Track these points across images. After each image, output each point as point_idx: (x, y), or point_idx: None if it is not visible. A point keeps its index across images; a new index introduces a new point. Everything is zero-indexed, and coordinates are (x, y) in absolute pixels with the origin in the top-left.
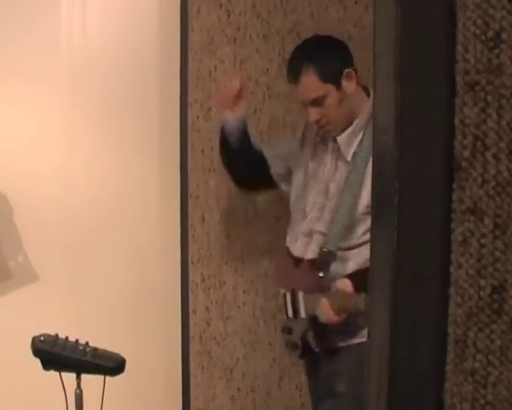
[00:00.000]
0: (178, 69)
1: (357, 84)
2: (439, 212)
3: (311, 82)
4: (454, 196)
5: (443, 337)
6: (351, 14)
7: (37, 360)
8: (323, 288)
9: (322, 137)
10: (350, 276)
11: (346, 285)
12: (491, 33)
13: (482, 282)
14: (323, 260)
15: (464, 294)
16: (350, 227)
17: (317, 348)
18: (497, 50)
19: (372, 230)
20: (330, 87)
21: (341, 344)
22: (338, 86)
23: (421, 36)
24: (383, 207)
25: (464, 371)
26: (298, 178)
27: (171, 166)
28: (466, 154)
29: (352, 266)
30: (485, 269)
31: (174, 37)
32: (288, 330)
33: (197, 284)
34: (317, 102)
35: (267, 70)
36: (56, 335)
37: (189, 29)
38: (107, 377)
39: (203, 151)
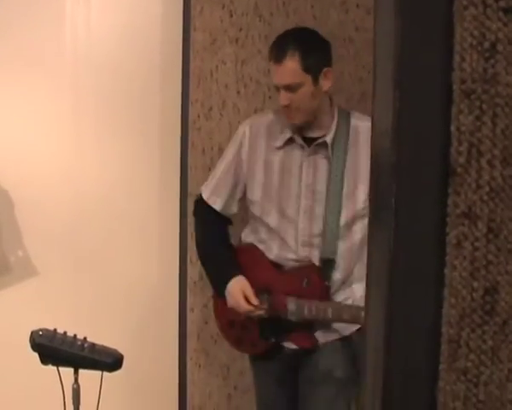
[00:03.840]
0: (180, 68)
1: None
2: (434, 215)
3: (293, 66)
4: (449, 201)
5: (437, 337)
6: (352, 17)
7: (36, 355)
8: (326, 296)
9: (296, 136)
10: None
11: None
12: (487, 44)
13: (475, 284)
14: (327, 270)
15: (458, 295)
16: (344, 228)
17: (298, 347)
18: (492, 61)
19: (369, 230)
20: (308, 78)
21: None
22: (315, 80)
23: (420, 45)
24: (381, 209)
25: (457, 370)
26: (255, 187)
27: (172, 165)
28: (461, 160)
29: (358, 272)
30: (478, 271)
31: (176, 36)
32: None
33: (195, 282)
34: (292, 87)
35: (268, 71)
36: (55, 330)
37: (191, 29)
38: (105, 373)
39: (203, 150)
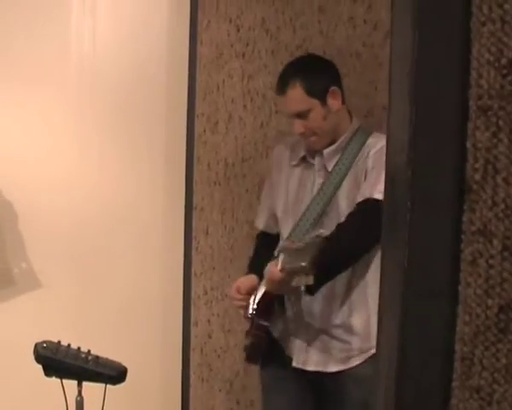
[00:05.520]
0: (186, 82)
1: (343, 103)
2: (449, 232)
3: (297, 95)
4: (464, 218)
5: (450, 354)
6: (359, 32)
7: (40, 367)
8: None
9: (308, 154)
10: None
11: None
12: (504, 61)
13: (489, 301)
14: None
15: (472, 312)
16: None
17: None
18: (509, 77)
19: (383, 246)
20: (315, 102)
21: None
22: (323, 102)
23: (437, 61)
24: (395, 225)
25: (470, 387)
26: (279, 204)
27: (177, 178)
28: (477, 177)
29: None
30: (492, 289)
31: (183, 50)
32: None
33: (199, 297)
34: (302, 114)
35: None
36: (59, 342)
37: (198, 42)
38: (108, 386)
39: (209, 164)
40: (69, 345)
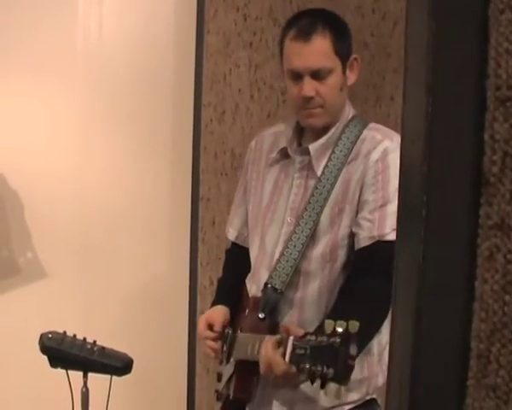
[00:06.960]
0: (193, 71)
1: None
2: (465, 226)
3: (324, 47)
4: (481, 212)
5: (465, 352)
6: (368, 22)
7: (45, 357)
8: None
9: (290, 147)
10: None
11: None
12: None
13: (507, 298)
14: (265, 299)
15: (488, 309)
16: (320, 261)
17: (233, 397)
18: None
19: (397, 242)
20: (339, 64)
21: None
22: (344, 68)
23: (454, 50)
24: (410, 220)
25: (486, 386)
26: (253, 212)
27: (183, 169)
28: (495, 169)
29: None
30: (510, 285)
31: (190, 39)
32: (218, 377)
33: (205, 287)
34: (321, 74)
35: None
36: (64, 332)
37: (205, 31)
38: (114, 377)
39: (216, 154)
40: (75, 336)
